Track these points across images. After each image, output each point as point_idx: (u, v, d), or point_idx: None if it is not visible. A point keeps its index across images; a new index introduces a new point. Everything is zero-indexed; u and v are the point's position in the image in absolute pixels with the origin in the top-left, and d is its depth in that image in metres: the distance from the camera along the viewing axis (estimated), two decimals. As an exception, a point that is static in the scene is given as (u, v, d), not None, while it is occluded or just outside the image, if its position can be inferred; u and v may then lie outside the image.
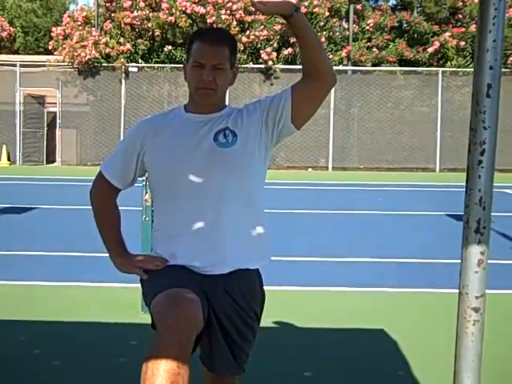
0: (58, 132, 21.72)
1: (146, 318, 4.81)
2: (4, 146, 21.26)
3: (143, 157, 2.49)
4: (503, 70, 20.10)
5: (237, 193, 2.39)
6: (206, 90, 2.38)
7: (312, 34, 2.36)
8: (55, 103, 21.56)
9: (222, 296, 2.41)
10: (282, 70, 21.01)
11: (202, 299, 2.26)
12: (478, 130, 1.72)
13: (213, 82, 2.36)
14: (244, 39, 20.78)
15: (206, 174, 2.38)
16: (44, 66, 21.74)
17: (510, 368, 4.08)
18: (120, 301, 5.40)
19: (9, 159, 21.37)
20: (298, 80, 2.42)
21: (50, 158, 22.05)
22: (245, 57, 21.02)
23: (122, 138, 20.72)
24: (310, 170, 20.91)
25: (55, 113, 21.74)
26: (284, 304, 5.21)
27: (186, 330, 2.06)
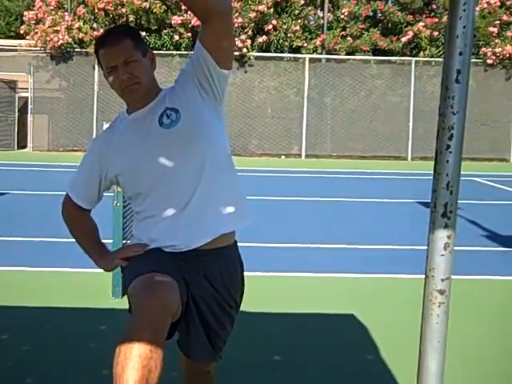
0: (29, 117, 21.47)
1: (117, 303, 4.83)
2: (-26, 131, 21.00)
3: (107, 172, 2.50)
4: (475, 60, 20.35)
5: (202, 163, 2.38)
6: (129, 87, 2.38)
7: None
8: (27, 88, 21.31)
9: (201, 282, 2.41)
10: (257, 58, 20.95)
11: (180, 284, 2.26)
12: (447, 115, 1.73)
13: (131, 76, 2.36)
14: (218, 26, 20.67)
15: (167, 159, 2.37)
16: (15, 50, 21.47)
17: (473, 350, 4.16)
18: (91, 286, 5.38)
19: (-21, 144, 21.12)
20: (201, 28, 2.36)
21: (21, 144, 21.82)
22: (219, 44, 20.92)
23: (94, 123, 20.58)
24: (282, 157, 20.94)
25: (27, 98, 21.48)
26: (254, 290, 5.22)
27: (160, 314, 2.06)
